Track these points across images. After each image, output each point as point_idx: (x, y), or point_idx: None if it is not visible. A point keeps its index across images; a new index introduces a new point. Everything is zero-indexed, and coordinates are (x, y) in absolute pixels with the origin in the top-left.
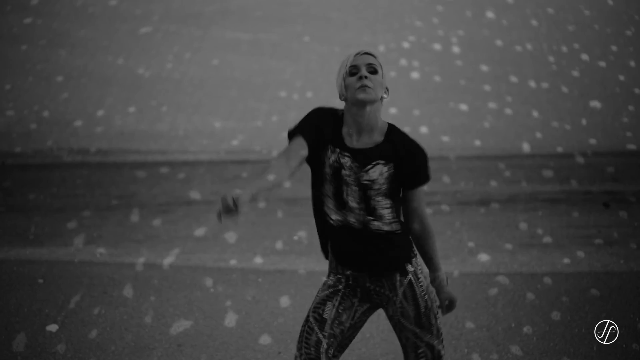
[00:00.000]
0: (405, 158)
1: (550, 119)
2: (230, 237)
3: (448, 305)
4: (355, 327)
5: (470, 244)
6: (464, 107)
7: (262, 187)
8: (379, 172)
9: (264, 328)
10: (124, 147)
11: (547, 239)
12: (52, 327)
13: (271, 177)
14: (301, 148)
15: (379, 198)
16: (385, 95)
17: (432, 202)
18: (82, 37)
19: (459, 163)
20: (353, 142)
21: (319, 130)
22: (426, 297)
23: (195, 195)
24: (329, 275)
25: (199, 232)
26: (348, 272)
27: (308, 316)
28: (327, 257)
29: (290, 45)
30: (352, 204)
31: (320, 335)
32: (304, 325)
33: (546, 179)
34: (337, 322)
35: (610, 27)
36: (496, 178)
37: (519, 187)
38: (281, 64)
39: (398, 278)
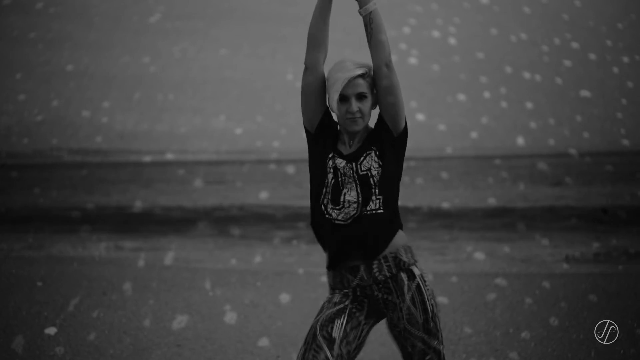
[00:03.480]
0: (377, 125)
1: (545, 114)
2: (234, 230)
3: None
4: (359, 347)
5: (469, 248)
6: (461, 97)
7: None
8: (371, 160)
9: (262, 331)
10: (124, 146)
11: (545, 243)
12: (51, 330)
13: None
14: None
15: (377, 189)
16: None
17: (432, 202)
18: (85, 36)
19: (455, 162)
20: (347, 148)
21: (328, 126)
22: (432, 301)
23: (199, 184)
24: (333, 292)
25: (202, 224)
26: (355, 283)
27: (315, 334)
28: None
29: (293, 32)
30: (350, 197)
31: (329, 354)
32: (309, 343)
33: (543, 181)
34: (345, 342)
35: (604, 20)
36: (493, 179)
37: (517, 190)
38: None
39: (406, 282)
